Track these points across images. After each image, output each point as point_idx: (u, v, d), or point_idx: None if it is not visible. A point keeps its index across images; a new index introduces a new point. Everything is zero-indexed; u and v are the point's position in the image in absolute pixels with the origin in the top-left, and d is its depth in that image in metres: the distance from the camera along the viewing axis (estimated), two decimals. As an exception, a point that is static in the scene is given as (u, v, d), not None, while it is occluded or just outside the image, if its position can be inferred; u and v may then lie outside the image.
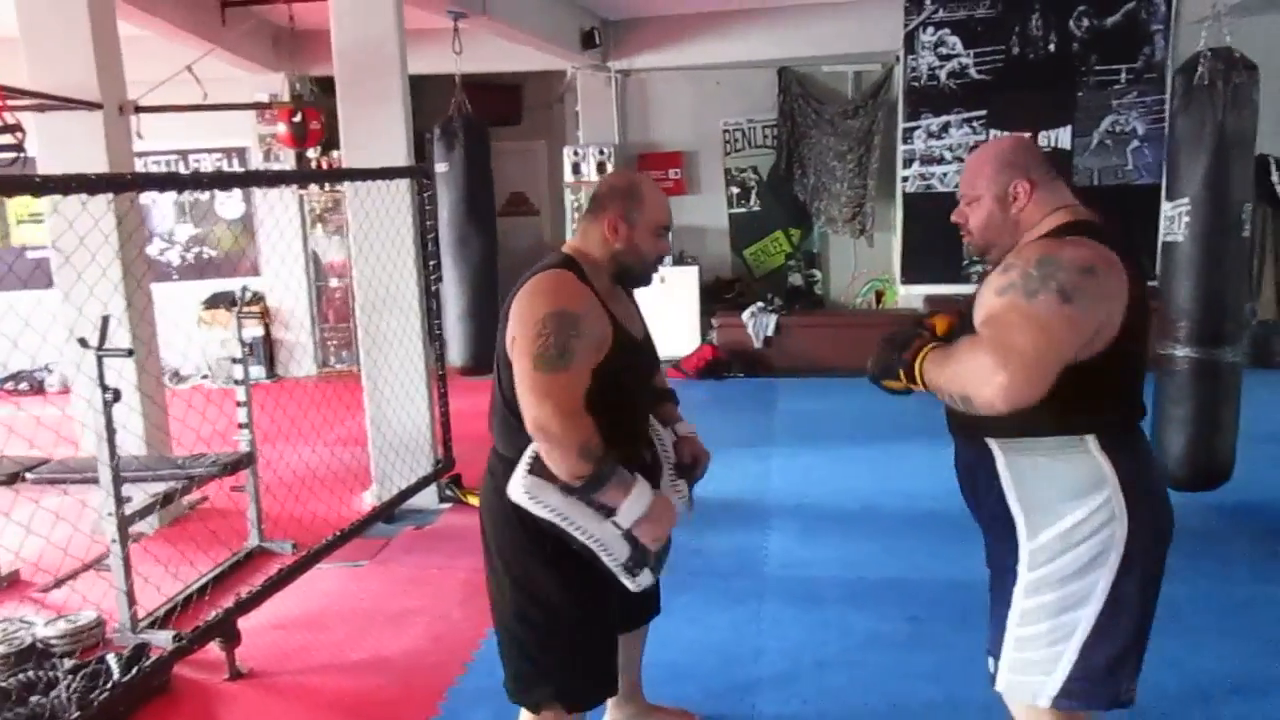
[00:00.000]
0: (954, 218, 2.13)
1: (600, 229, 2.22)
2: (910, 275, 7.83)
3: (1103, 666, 1.96)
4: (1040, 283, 1.82)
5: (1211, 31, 3.86)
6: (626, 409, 2.20)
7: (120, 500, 3.33)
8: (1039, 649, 1.98)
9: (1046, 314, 1.79)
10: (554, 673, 2.20)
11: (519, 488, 2.04)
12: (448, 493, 4.99)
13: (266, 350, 8.42)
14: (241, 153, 8.18)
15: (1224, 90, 3.72)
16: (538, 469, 2.03)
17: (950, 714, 2.91)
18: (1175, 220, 3.91)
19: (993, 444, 2.00)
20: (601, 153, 8.23)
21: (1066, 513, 1.92)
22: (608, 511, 2.03)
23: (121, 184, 2.86)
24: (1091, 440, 1.92)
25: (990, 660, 2.10)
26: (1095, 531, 1.91)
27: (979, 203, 2.06)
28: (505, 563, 2.21)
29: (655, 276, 2.33)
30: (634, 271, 2.27)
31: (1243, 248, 3.92)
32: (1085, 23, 7.20)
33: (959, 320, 2.08)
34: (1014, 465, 1.98)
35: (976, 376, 1.79)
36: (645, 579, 2.10)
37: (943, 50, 7.42)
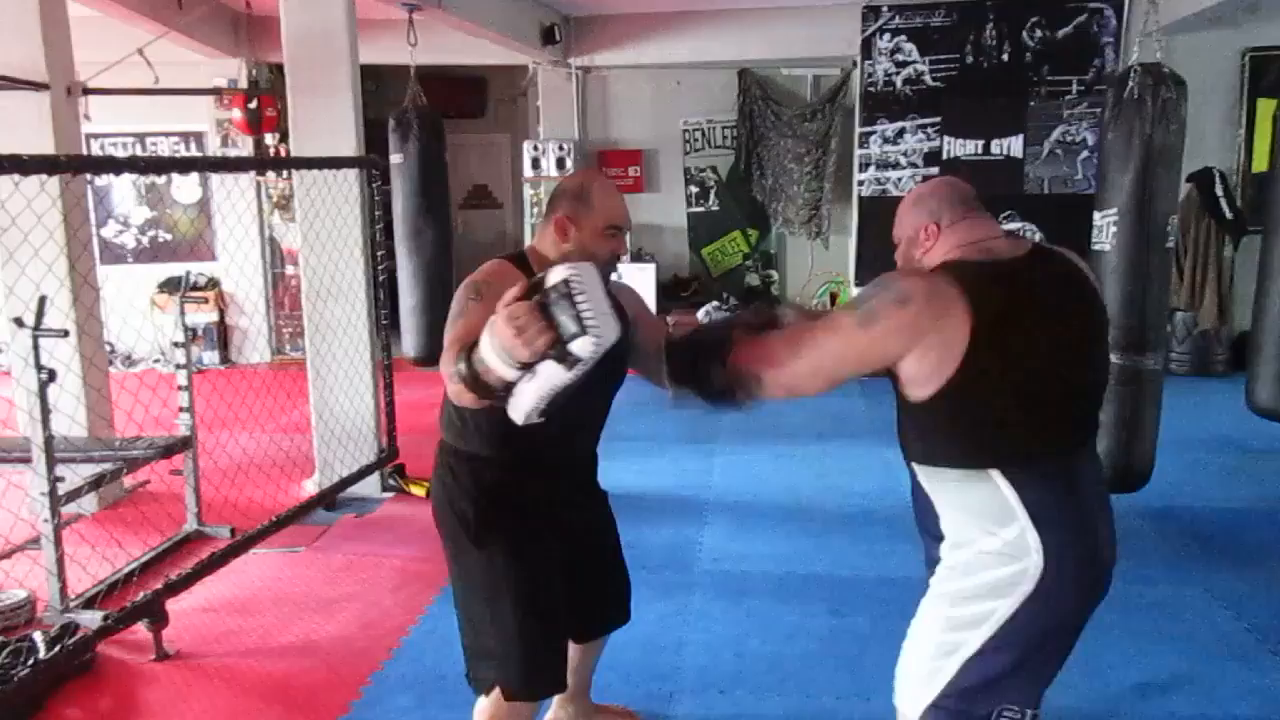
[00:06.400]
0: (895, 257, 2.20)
1: (551, 231, 2.23)
2: (864, 278, 7.90)
3: (977, 688, 1.93)
4: (859, 302, 1.90)
5: (1144, 46, 3.96)
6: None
7: (53, 481, 3.34)
8: (925, 661, 1.98)
9: (839, 330, 1.90)
10: (496, 657, 2.25)
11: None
12: (391, 482, 5.02)
13: (221, 336, 8.39)
14: (199, 137, 8.12)
15: (1152, 105, 3.80)
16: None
17: (860, 705, 2.99)
18: (1103, 230, 3.99)
19: (915, 467, 2.02)
20: (561, 148, 8.24)
21: (981, 537, 1.92)
22: (508, 382, 1.78)
23: (55, 165, 2.87)
24: (996, 474, 1.88)
25: None
26: (1006, 562, 1.89)
27: (901, 244, 2.13)
28: (451, 549, 2.30)
29: (612, 275, 2.24)
30: None
31: (1167, 259, 4.02)
32: (1038, 34, 7.32)
33: None
34: (933, 490, 2.00)
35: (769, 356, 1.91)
36: (583, 346, 1.71)
37: (899, 57, 7.51)
